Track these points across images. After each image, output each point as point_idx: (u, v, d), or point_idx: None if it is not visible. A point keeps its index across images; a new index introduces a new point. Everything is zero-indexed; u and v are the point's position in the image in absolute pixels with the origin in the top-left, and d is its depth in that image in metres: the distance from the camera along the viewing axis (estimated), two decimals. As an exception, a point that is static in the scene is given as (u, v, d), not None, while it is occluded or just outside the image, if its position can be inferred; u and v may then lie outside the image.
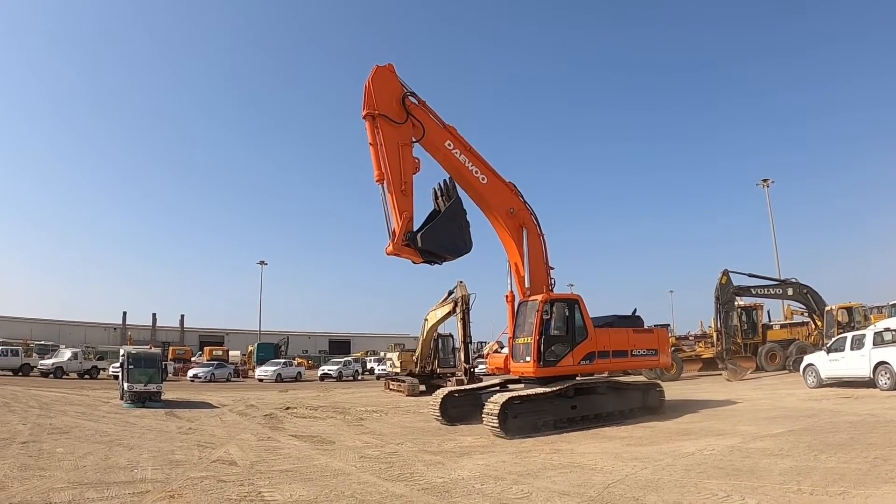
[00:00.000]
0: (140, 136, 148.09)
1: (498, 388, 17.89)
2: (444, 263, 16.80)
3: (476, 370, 32.80)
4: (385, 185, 15.62)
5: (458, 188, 17.18)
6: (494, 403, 15.04)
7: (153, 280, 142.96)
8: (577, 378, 16.75)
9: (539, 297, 16.69)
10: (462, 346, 29.89)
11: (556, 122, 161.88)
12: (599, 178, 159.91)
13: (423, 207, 16.92)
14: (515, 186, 18.17)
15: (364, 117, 15.88)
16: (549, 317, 16.37)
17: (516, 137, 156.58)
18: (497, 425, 14.70)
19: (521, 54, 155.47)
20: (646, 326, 19.29)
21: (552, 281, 18.33)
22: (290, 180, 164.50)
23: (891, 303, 30.62)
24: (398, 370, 36.91)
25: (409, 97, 16.40)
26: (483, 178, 17.40)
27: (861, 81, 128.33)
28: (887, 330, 20.59)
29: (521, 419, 15.07)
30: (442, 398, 18.24)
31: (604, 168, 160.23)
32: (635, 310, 19.33)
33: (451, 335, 35.67)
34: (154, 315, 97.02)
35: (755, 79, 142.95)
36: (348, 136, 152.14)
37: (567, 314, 16.90)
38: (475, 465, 11.29)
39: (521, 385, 17.07)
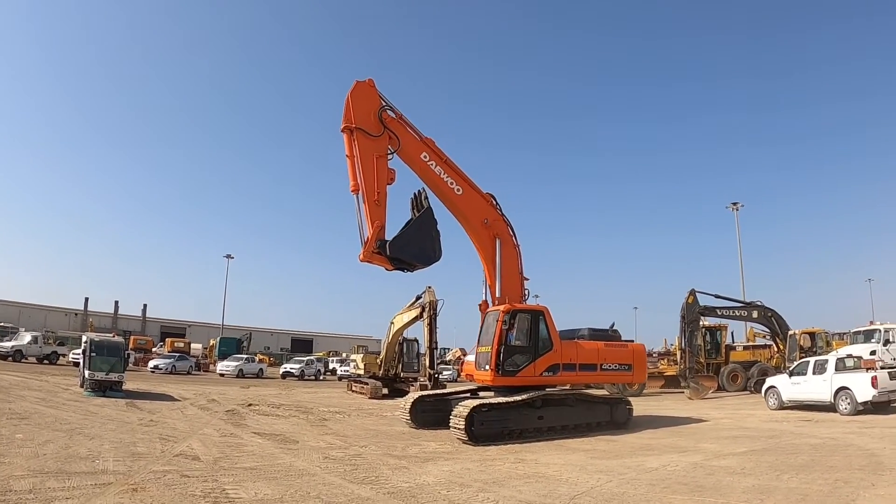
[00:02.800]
0: (109, 127, 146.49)
1: (468, 395, 17.91)
2: (415, 271, 17.04)
3: (440, 377, 32.75)
4: (359, 195, 15.89)
5: (435, 198, 17.45)
6: (463, 408, 15.09)
7: (116, 268, 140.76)
8: (547, 389, 16.74)
9: (501, 308, 16.74)
10: (427, 352, 29.82)
11: (523, 132, 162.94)
12: (567, 190, 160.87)
13: (404, 216, 17.40)
14: (493, 198, 18.34)
15: (342, 130, 16.24)
16: (507, 327, 16.38)
17: (487, 147, 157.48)
18: (464, 431, 14.73)
19: (495, 64, 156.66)
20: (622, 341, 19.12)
21: (526, 292, 18.39)
22: (260, 179, 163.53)
23: (853, 330, 31.17)
24: (361, 372, 36.68)
25: (387, 111, 16.75)
26: (458, 190, 17.61)
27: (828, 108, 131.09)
28: (849, 356, 21.03)
29: (487, 427, 15.10)
30: (413, 402, 18.30)
31: (572, 181, 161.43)
32: (613, 324, 19.39)
33: (416, 340, 35.68)
34: (116, 303, 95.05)
35: (733, 97, 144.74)
36: (322, 137, 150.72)
37: (531, 325, 16.89)
38: (440, 471, 11.27)
39: (492, 393, 17.06)
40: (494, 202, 18.30)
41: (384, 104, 16.76)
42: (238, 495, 8.61)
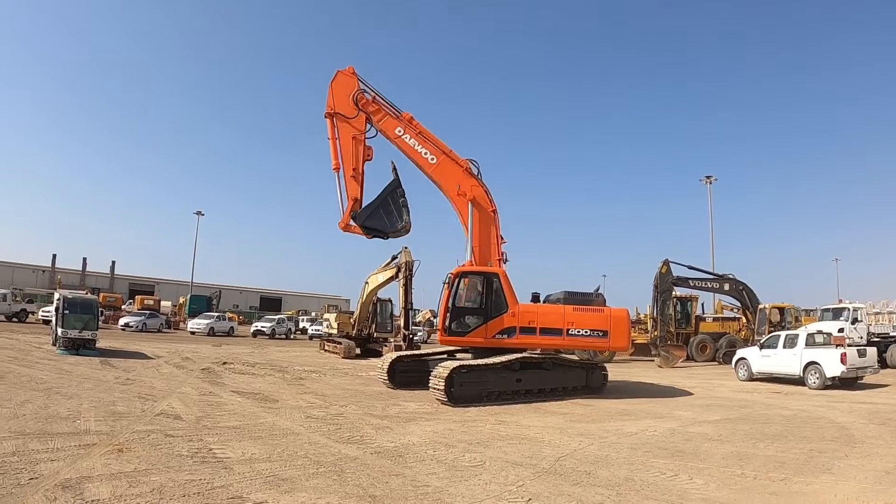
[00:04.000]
0: (73, 81, 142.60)
1: (446, 356, 18.13)
2: (390, 238, 18.23)
3: (415, 338, 32.81)
4: (340, 172, 17.50)
5: (416, 168, 18.65)
6: (443, 370, 15.21)
7: (84, 224, 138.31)
8: (526, 353, 16.85)
9: (452, 271, 17.06)
10: (403, 313, 29.78)
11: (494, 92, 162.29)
12: (542, 152, 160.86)
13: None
14: (473, 163, 18.72)
15: (325, 116, 17.92)
16: (454, 288, 16.75)
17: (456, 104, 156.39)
18: (443, 392, 14.88)
19: (465, 20, 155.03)
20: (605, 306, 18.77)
21: (503, 255, 18.50)
22: (232, 135, 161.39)
23: (822, 307, 32.04)
24: (335, 331, 36.68)
25: (364, 93, 18.21)
26: (432, 159, 18.42)
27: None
28: (819, 332, 21.54)
29: (466, 388, 15.23)
30: (391, 362, 18.43)
31: (544, 143, 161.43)
32: (598, 288, 19.60)
33: (390, 300, 35.63)
34: (84, 259, 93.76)
35: (711, 65, 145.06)
36: (295, 94, 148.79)
37: (483, 288, 17.09)
38: (423, 431, 11.36)
39: (469, 355, 17.21)
40: (473, 169, 18.62)
41: (361, 88, 18.15)
42: (226, 455, 8.58)
